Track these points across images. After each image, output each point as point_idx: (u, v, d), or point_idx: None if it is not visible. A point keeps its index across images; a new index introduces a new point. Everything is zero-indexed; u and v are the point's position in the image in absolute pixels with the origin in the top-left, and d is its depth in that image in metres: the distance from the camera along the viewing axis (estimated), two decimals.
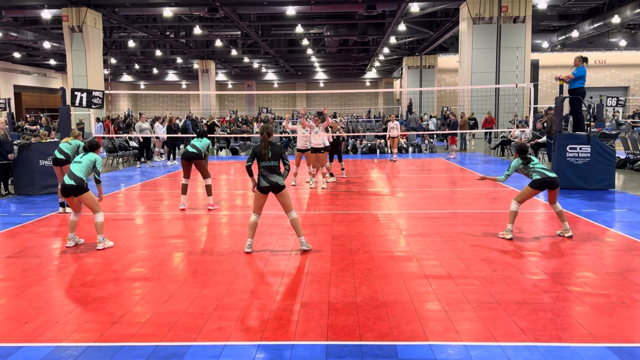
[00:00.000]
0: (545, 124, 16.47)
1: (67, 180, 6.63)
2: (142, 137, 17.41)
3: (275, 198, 6.59)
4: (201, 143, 9.29)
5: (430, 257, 6.18)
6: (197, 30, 31.09)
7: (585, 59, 11.03)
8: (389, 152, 21.12)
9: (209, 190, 9.41)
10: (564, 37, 32.74)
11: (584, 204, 9.43)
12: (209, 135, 10.11)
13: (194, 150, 9.19)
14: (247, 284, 5.27)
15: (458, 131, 20.47)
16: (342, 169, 13.62)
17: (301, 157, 11.93)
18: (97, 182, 6.89)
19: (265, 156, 6.28)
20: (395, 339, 3.97)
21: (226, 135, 23.08)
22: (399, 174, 14.38)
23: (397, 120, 21.80)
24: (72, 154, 8.67)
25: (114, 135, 19.54)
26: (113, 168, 16.91)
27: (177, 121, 22.38)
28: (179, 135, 17.96)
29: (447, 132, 20.21)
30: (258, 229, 7.75)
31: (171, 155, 17.99)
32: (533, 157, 7.16)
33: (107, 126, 24.34)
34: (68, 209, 8.91)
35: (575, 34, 30.93)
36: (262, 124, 6.51)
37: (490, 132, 24.49)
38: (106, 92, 14.39)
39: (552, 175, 7.00)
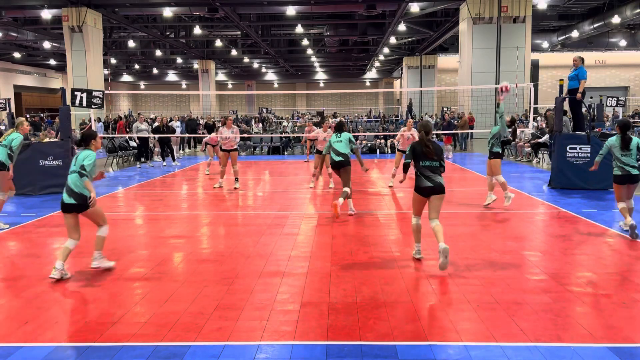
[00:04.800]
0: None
1: (66, 199, 5.55)
2: (139, 138, 17.37)
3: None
4: None
5: (430, 257, 6.17)
6: (197, 30, 31.09)
7: (582, 60, 11.07)
8: (388, 152, 21.13)
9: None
10: (564, 37, 32.75)
11: (584, 204, 9.43)
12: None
13: None
14: (247, 284, 5.27)
15: (458, 131, 20.46)
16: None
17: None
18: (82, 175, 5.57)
19: (427, 154, 5.74)
20: (395, 339, 3.97)
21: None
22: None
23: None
24: (5, 156, 7.93)
25: (114, 135, 19.53)
26: (111, 168, 16.92)
27: (173, 123, 22.26)
28: (170, 135, 17.88)
29: (447, 132, 20.19)
30: (258, 229, 7.75)
31: (170, 156, 17.94)
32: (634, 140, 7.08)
33: (121, 126, 24.27)
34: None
35: (575, 34, 30.94)
36: (421, 121, 6.20)
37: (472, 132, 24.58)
38: (106, 92, 14.39)
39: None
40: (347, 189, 8.51)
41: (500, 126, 8.88)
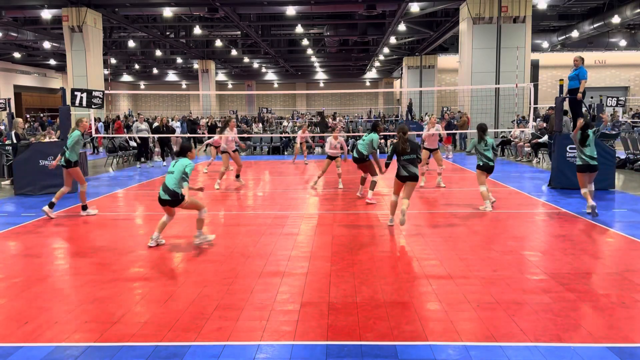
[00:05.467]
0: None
1: (162, 195, 6.62)
2: (139, 138, 17.36)
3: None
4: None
5: (430, 257, 6.18)
6: (197, 30, 31.06)
7: (582, 60, 11.08)
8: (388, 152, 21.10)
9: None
10: (564, 37, 32.72)
11: (584, 204, 9.41)
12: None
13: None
14: (247, 284, 5.27)
15: (458, 131, 20.46)
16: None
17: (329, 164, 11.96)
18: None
19: (405, 150, 7.49)
20: (395, 339, 3.97)
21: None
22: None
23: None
24: (72, 153, 8.61)
25: (115, 135, 19.52)
26: (112, 168, 16.91)
27: (173, 123, 22.27)
28: (170, 135, 17.88)
29: (446, 132, 20.18)
30: (258, 229, 7.76)
31: (170, 156, 17.95)
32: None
33: (118, 126, 24.34)
34: (53, 214, 8.71)
35: (575, 34, 30.92)
36: (399, 125, 8.00)
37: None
38: (106, 92, 14.39)
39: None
40: (374, 179, 9.94)
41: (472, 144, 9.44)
